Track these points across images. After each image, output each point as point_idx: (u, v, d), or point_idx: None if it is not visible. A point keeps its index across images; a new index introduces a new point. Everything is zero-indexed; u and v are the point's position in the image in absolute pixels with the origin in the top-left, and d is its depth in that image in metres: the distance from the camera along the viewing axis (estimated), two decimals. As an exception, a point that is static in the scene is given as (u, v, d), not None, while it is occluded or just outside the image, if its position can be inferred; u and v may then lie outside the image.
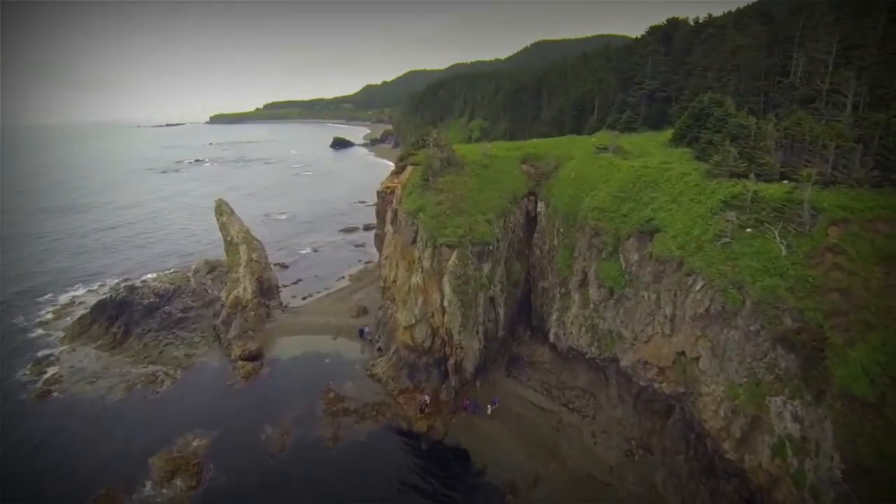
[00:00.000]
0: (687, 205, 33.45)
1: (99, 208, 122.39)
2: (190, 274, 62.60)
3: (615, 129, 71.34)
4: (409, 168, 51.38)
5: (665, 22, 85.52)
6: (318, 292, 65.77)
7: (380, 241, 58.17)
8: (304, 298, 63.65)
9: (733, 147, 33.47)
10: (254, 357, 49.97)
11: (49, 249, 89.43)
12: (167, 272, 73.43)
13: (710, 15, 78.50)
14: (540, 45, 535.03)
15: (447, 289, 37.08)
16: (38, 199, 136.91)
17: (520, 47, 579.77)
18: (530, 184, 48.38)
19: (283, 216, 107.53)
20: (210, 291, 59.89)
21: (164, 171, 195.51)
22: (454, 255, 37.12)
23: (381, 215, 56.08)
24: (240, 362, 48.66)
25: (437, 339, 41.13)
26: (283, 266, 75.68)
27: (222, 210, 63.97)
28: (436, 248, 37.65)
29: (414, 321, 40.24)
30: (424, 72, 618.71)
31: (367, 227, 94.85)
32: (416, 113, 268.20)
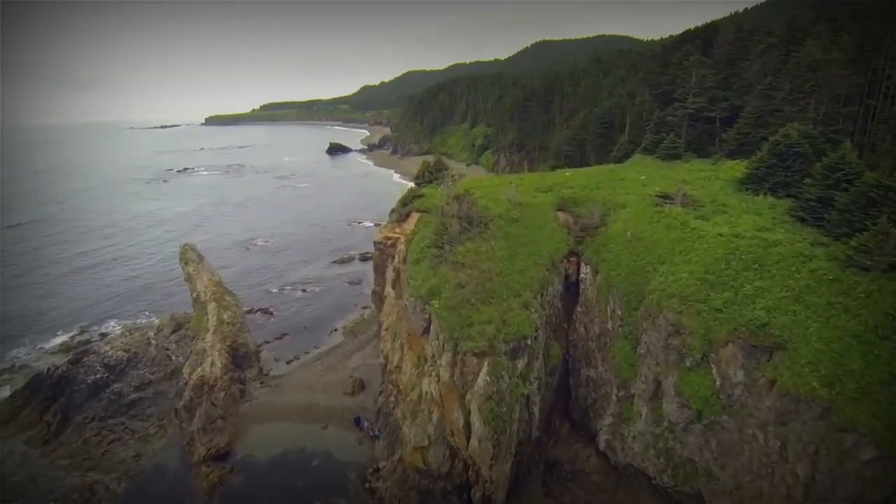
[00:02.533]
0: (824, 310, 23.19)
1: (70, 235, 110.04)
2: (151, 334, 52.12)
3: (653, 154, 61.34)
4: (415, 216, 41.05)
5: (703, 26, 75.39)
6: (307, 352, 55.41)
7: (378, 299, 47.89)
8: (288, 362, 53.28)
9: (891, 225, 23.17)
10: (222, 456, 39.79)
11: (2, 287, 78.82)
12: (127, 324, 63.35)
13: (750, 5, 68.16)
14: (540, 46, 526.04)
15: (476, 419, 26.86)
16: (10, 216, 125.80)
17: (520, 47, 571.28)
18: (570, 241, 38.08)
19: (271, 242, 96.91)
20: (174, 358, 49.44)
21: (151, 182, 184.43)
22: (484, 367, 26.85)
23: (379, 270, 45.82)
24: (203, 468, 38.38)
25: (457, 461, 30.90)
26: (267, 313, 65.27)
27: (188, 258, 53.55)
28: (457, 356, 27.37)
29: (427, 442, 29.98)
30: (423, 72, 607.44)
31: (364, 258, 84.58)
32: (415, 117, 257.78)
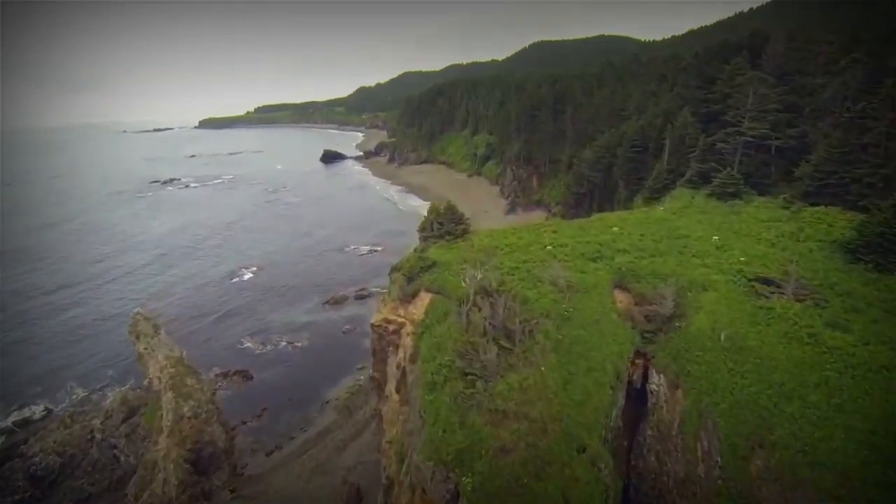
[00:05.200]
0: None
1: (33, 272, 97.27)
2: (97, 423, 42.16)
3: (700, 189, 51.91)
4: (424, 296, 31.32)
5: (748, 34, 65.98)
6: (292, 437, 45.77)
7: (378, 386, 38.08)
8: (268, 454, 43.63)
9: None
10: None
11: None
12: (81, 393, 53.54)
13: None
14: (538, 46, 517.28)
15: None
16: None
17: (517, 48, 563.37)
18: (635, 336, 28.40)
19: (255, 275, 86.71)
20: (122, 459, 39.63)
21: (135, 195, 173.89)
22: None
23: (378, 356, 36.07)
24: None
25: None
26: (245, 377, 55.43)
27: (139, 331, 43.55)
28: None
29: None
30: (420, 73, 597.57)
31: (359, 296, 75.01)
32: (412, 122, 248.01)
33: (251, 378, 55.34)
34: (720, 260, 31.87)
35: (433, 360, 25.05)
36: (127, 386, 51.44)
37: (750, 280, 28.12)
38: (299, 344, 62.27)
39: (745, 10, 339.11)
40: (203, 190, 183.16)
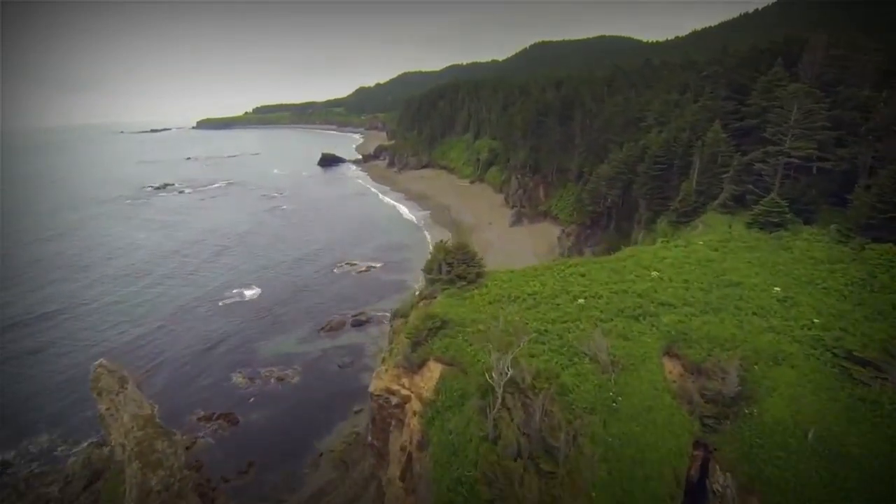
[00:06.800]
0: None
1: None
2: (55, 491, 36.82)
3: (735, 215, 46.73)
4: (434, 366, 26.00)
5: (781, 41, 60.64)
6: (281, 500, 40.41)
7: (378, 454, 32.73)
8: (252, 523, 38.37)
9: None
10: None
11: None
12: (49, 441, 48.22)
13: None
14: (539, 47, 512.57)
15: None
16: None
17: (518, 48, 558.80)
18: (694, 425, 23.05)
19: (244, 296, 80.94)
20: (83, 538, 34.24)
21: (129, 202, 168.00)
22: None
23: (378, 425, 30.77)
24: None
25: None
26: (230, 421, 50.09)
27: (102, 387, 37.78)
28: None
29: None
30: (419, 73, 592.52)
31: (357, 323, 69.66)
32: (412, 125, 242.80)
33: (237, 423, 49.94)
34: (788, 320, 26.55)
35: (448, 468, 19.75)
36: (98, 437, 46.09)
37: (837, 355, 22.75)
38: (292, 380, 56.79)
39: (751, 10, 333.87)
40: (197, 196, 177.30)
